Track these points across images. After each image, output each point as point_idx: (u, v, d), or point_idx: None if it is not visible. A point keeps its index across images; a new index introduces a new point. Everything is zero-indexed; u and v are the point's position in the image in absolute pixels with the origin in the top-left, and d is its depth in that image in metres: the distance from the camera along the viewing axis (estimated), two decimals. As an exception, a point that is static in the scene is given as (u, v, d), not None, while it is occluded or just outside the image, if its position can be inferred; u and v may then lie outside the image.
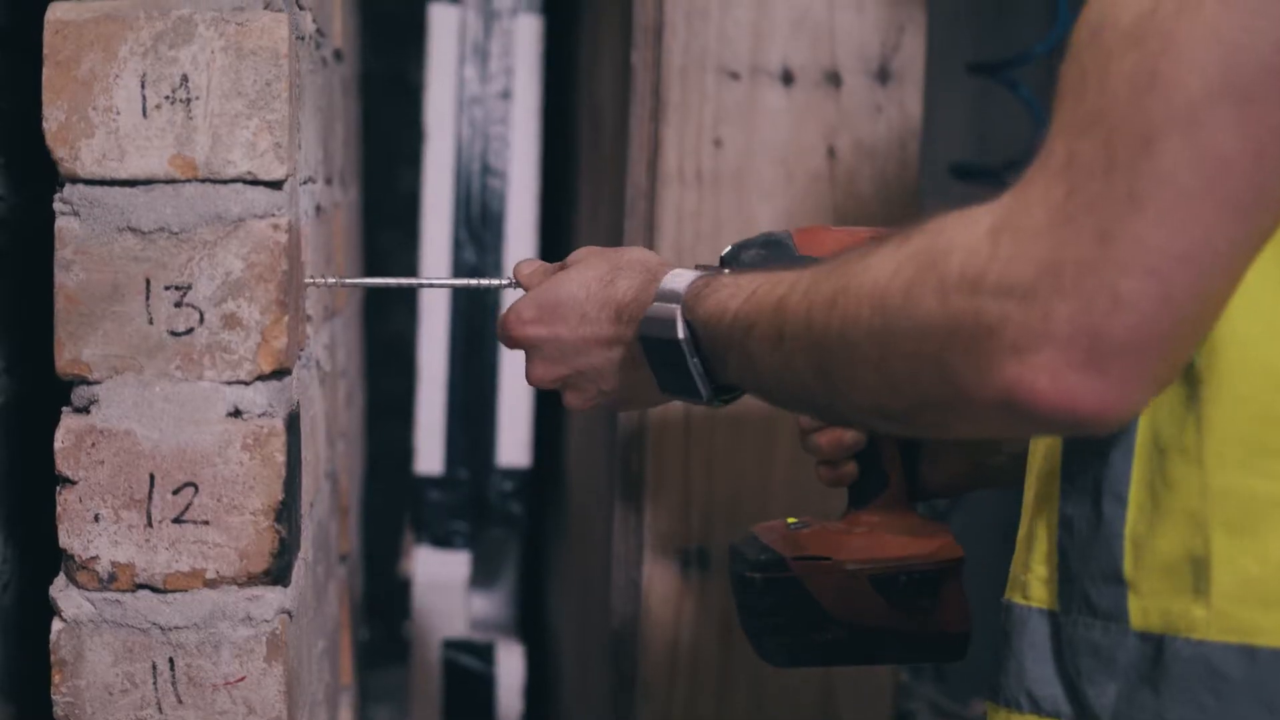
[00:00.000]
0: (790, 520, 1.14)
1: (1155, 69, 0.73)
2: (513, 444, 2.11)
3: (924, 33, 1.55)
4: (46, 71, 0.92)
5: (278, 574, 0.97)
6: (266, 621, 0.97)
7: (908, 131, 1.55)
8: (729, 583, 1.14)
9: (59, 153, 0.93)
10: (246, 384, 0.96)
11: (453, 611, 2.12)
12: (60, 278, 0.94)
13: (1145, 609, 0.82)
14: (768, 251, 1.09)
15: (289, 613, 0.98)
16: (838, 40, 1.54)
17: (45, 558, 1.23)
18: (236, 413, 0.96)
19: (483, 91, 2.08)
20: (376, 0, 2.39)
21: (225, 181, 0.95)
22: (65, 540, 0.96)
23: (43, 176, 1.21)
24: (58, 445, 0.95)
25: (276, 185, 0.96)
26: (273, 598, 0.97)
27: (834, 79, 1.55)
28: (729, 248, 1.11)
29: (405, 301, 2.72)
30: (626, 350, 1.05)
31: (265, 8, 0.95)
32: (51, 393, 1.26)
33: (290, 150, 0.96)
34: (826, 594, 1.09)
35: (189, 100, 0.94)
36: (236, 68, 0.94)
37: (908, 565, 1.10)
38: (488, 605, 2.14)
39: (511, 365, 2.11)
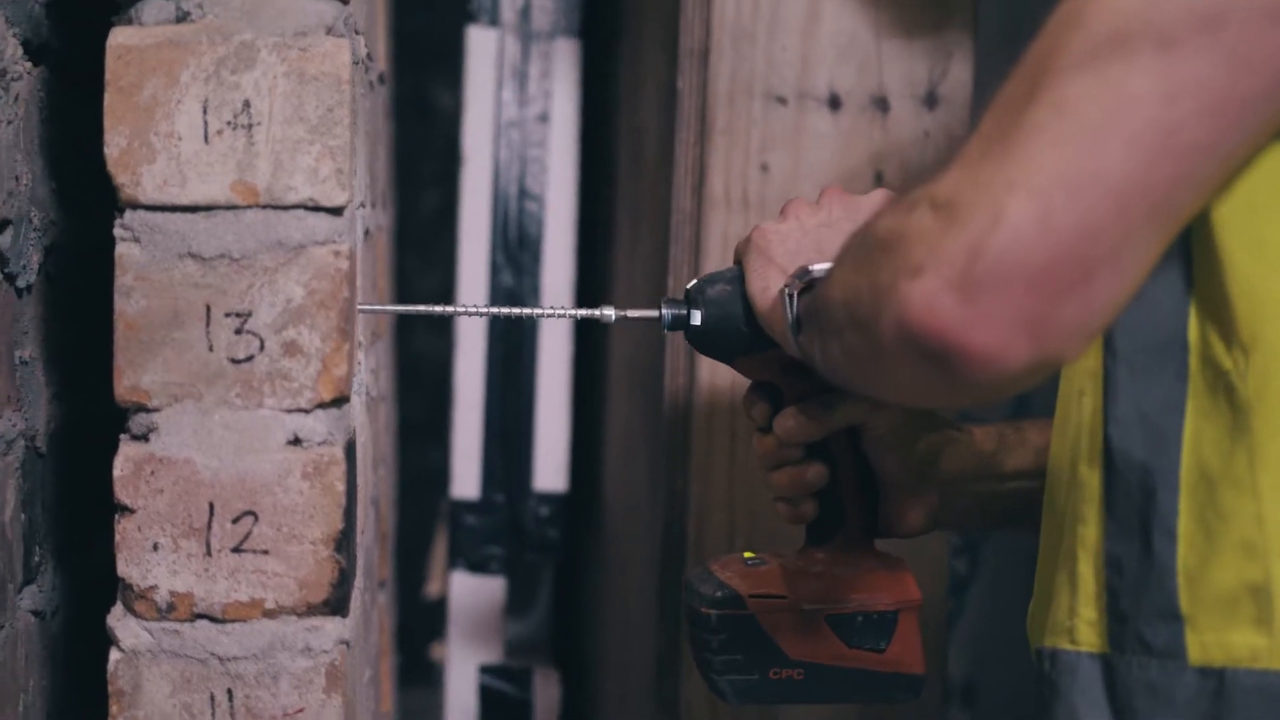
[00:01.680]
0: (747, 555, 1.13)
1: (1082, 8, 0.75)
2: (549, 468, 2.09)
3: (972, 59, 1.54)
4: (108, 97, 0.92)
5: (336, 604, 0.96)
6: (325, 652, 0.96)
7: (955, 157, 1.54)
8: (684, 617, 1.14)
9: (120, 179, 0.92)
10: (306, 412, 0.95)
11: (488, 637, 2.10)
12: (120, 304, 0.93)
13: (1204, 643, 0.81)
14: (733, 288, 1.08)
15: (347, 643, 0.97)
16: (885, 65, 1.53)
17: (94, 584, 1.23)
18: (296, 441, 0.95)
19: (520, 115, 2.07)
20: (411, 22, 2.39)
21: (286, 208, 0.94)
22: (123, 569, 0.95)
23: (94, 202, 1.21)
24: (116, 473, 0.94)
25: (337, 212, 0.95)
26: (332, 628, 0.96)
27: (881, 104, 1.54)
28: (694, 281, 1.11)
29: (437, 323, 2.71)
30: None
31: (327, 33, 0.94)
32: (100, 419, 1.26)
33: (350, 176, 0.96)
34: (782, 633, 1.08)
35: (250, 126, 0.93)
36: (299, 93, 0.93)
37: (865, 606, 1.10)
38: (524, 631, 2.13)
39: (548, 388, 2.10)
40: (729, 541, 1.55)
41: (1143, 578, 0.83)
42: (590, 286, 2.16)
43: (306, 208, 0.94)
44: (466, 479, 2.09)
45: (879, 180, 1.54)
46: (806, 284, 0.96)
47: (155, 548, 0.94)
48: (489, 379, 2.08)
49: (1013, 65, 0.79)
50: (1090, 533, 0.86)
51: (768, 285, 1.04)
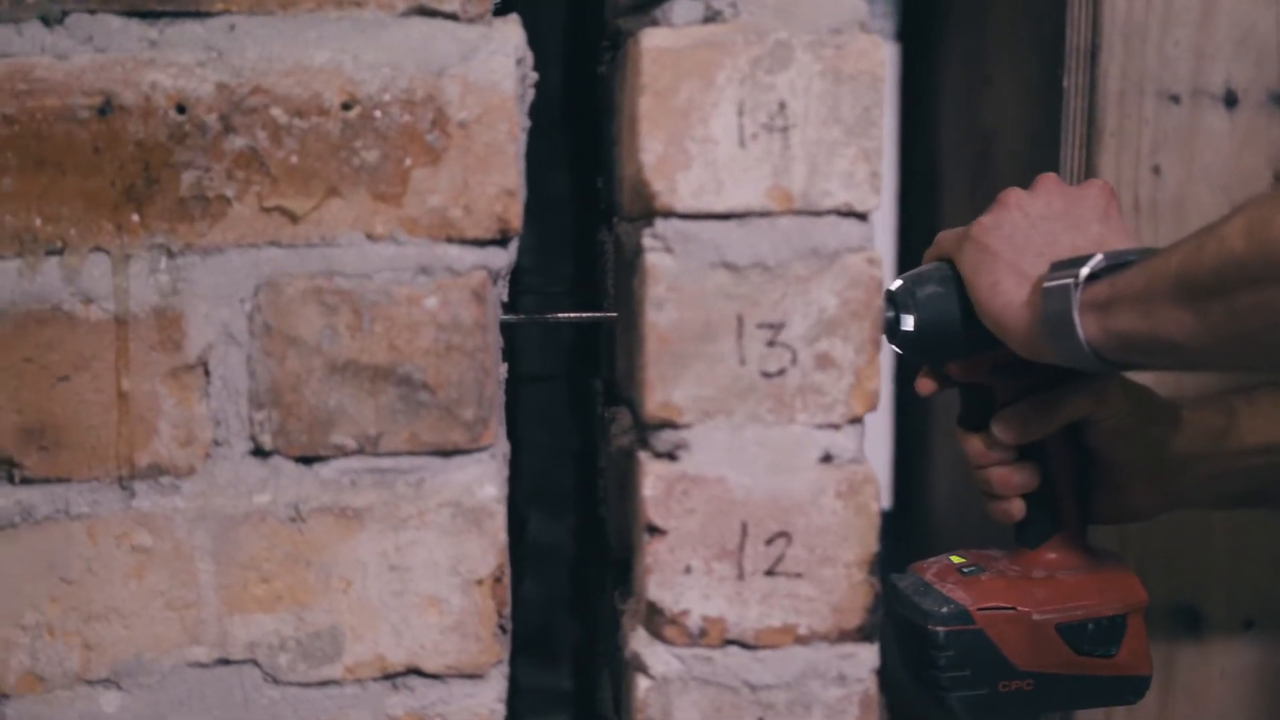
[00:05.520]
0: (956, 559, 1.10)
1: None
2: (872, 485, 2.04)
3: (1377, 48, 1.46)
4: (644, 101, 0.88)
5: (869, 630, 0.92)
6: (859, 681, 0.92)
7: None
8: (894, 629, 1.09)
9: (656, 186, 0.89)
10: (837, 427, 0.91)
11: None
12: (652, 316, 0.89)
13: None
14: (946, 288, 1.04)
15: (879, 671, 0.92)
16: (1286, 58, 1.46)
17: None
18: (827, 458, 0.91)
19: (838, 122, 2.02)
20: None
21: (820, 213, 0.90)
22: (655, 593, 0.91)
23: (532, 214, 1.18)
24: (647, 493, 0.90)
25: (865, 216, 0.91)
26: (865, 655, 0.92)
27: (1280, 100, 1.46)
28: (897, 283, 1.05)
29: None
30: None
31: (861, 29, 0.90)
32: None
33: (881, 179, 0.91)
34: (1012, 644, 1.05)
35: (786, 129, 0.89)
36: (834, 93, 0.89)
37: (1095, 612, 1.06)
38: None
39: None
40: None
41: None
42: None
43: (840, 213, 0.90)
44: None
45: (1278, 180, 1.46)
46: (1097, 270, 0.93)
47: (687, 570, 0.90)
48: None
49: None
50: None
51: (997, 280, 1.00)
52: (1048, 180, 1.07)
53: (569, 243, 1.53)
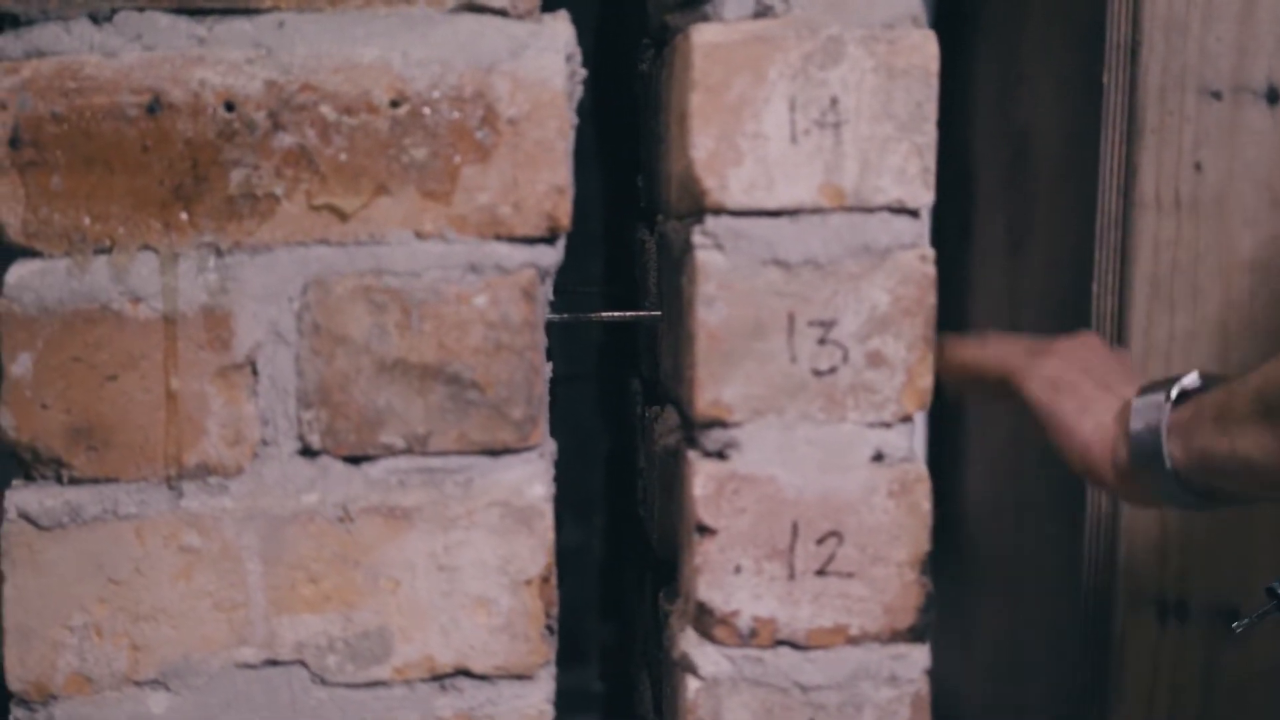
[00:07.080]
0: None
1: None
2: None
3: None
4: (696, 97, 0.87)
5: (921, 630, 0.91)
6: (911, 681, 0.91)
7: None
8: None
9: (707, 183, 0.88)
10: (888, 426, 0.90)
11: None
12: (702, 314, 0.89)
13: None
14: None
15: (930, 672, 0.91)
16: (1328, 54, 1.44)
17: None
18: (879, 457, 0.90)
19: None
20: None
21: (872, 210, 0.89)
22: (704, 593, 0.90)
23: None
24: (697, 492, 0.90)
25: (917, 213, 0.90)
26: (917, 656, 0.91)
27: (1322, 96, 1.45)
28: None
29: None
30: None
31: (914, 24, 0.89)
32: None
33: (933, 175, 0.90)
34: None
35: (838, 124, 0.88)
36: (887, 89, 0.88)
37: None
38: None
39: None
40: (1160, 566, 1.47)
41: None
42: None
43: (891, 210, 0.89)
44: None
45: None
46: (1189, 389, 0.90)
47: (737, 570, 0.90)
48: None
49: None
50: None
51: (1086, 404, 0.95)
52: (1093, 336, 1.05)
53: (598, 242, 1.52)
